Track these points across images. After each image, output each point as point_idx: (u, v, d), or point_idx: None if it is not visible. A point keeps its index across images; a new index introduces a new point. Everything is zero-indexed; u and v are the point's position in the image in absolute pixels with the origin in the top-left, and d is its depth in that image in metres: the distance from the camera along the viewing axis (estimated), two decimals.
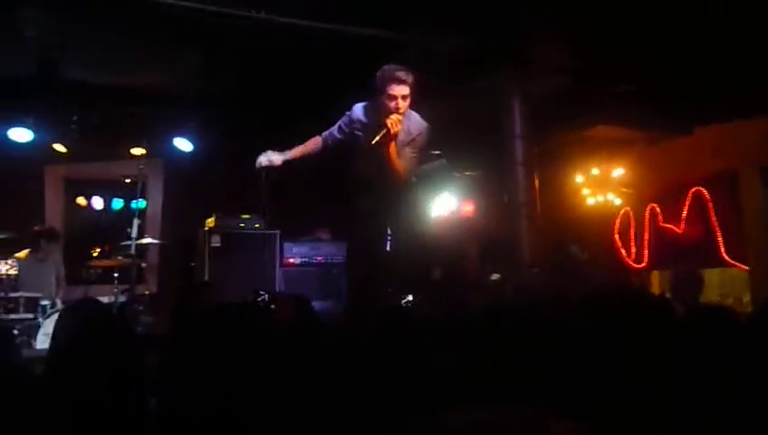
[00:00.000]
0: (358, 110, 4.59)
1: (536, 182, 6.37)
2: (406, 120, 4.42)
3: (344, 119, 4.65)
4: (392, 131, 4.28)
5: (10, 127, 6.96)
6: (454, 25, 5.67)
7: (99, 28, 5.56)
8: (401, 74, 4.31)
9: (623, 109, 6.76)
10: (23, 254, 6.44)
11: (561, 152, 7.77)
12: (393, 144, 4.37)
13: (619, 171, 8.07)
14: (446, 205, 9.11)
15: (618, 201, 8.12)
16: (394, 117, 4.27)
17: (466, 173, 8.79)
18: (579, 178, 8.30)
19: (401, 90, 4.31)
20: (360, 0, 5.29)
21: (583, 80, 6.08)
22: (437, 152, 8.02)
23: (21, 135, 7.02)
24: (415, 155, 4.61)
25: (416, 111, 4.55)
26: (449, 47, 5.84)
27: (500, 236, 6.97)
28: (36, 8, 5.08)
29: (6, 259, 5.95)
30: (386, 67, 4.39)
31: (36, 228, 6.71)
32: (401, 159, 4.47)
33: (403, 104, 4.34)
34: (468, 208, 8.94)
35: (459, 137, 7.31)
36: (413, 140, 4.52)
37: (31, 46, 5.63)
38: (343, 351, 2.56)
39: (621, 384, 1.88)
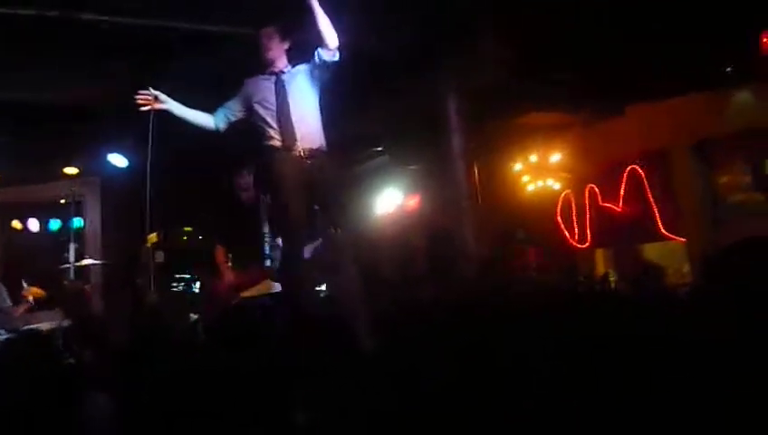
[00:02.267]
0: (250, 82, 4.42)
1: (476, 173, 6.47)
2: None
3: (238, 96, 4.45)
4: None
5: None
6: (392, 23, 5.69)
7: (21, 46, 5.39)
8: (268, 32, 4.20)
9: (555, 94, 6.90)
10: None
11: (499, 142, 7.89)
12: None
13: (556, 156, 8.24)
14: (391, 199, 9.16)
15: (557, 185, 8.29)
16: None
17: (410, 167, 8.85)
18: (518, 166, 8.44)
19: (273, 43, 4.20)
20: None
21: (516, 70, 6.17)
22: (380, 148, 8.06)
23: None
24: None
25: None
26: (389, 45, 5.85)
27: (445, 227, 7.05)
28: None
29: None
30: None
31: None
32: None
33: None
34: (413, 202, 9.01)
35: (401, 132, 7.35)
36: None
37: None
38: None
39: None
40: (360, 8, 5.30)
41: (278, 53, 4.20)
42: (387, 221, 9.08)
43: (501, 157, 8.24)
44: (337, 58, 4.04)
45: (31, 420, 2.02)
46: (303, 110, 4.18)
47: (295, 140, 4.13)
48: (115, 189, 7.91)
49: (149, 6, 5.17)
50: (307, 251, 4.34)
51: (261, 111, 4.14)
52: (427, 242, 8.13)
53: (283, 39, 4.23)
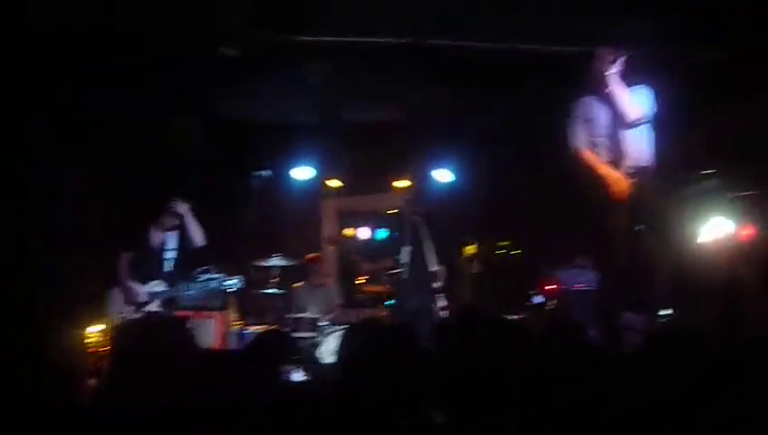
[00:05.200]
0: (586, 101, 4.44)
1: None
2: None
3: (575, 117, 4.49)
4: None
5: (293, 167, 7.81)
6: (723, 37, 5.30)
7: (370, 73, 6.09)
8: (612, 55, 4.16)
9: None
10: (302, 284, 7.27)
11: None
12: None
13: None
14: (721, 228, 8.35)
15: None
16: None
17: (742, 194, 8.00)
18: None
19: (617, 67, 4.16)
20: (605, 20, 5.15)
21: None
22: (711, 172, 7.43)
23: (303, 173, 7.82)
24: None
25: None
26: (722, 59, 5.45)
27: None
28: (319, 60, 5.75)
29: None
30: (597, 52, 4.24)
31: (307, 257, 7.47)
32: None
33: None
34: (747, 232, 8.11)
35: (736, 154, 6.72)
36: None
37: (314, 94, 6.34)
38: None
39: None
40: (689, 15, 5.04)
41: None
42: (712, 251, 8.31)
43: None
44: None
45: None
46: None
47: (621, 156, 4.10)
48: (438, 202, 8.46)
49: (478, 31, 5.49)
50: None
51: None
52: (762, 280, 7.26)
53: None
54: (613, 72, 4.27)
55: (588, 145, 4.45)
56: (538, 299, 6.60)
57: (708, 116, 6.24)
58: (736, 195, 8.08)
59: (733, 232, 8.20)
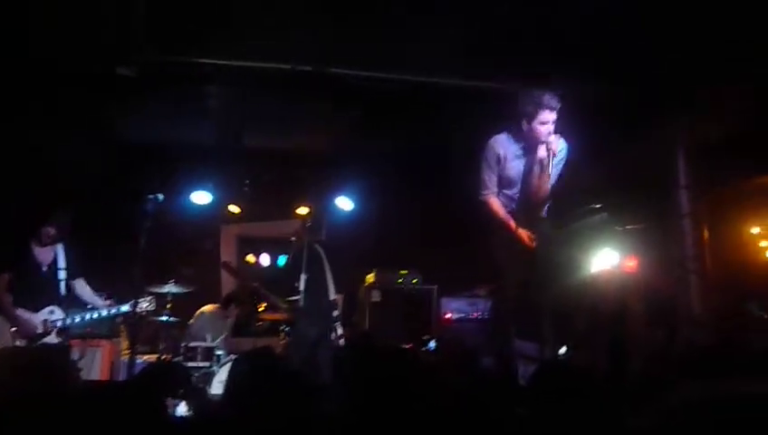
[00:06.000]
0: (499, 141, 4.57)
1: (705, 234, 6.02)
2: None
3: (486, 159, 4.61)
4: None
5: (192, 191, 7.62)
6: (615, 74, 5.58)
7: (271, 98, 6.05)
8: (553, 102, 4.30)
9: None
10: (207, 308, 7.03)
11: (734, 202, 7.26)
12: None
13: None
14: (607, 260, 8.76)
15: None
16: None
17: (629, 227, 8.43)
18: (755, 230, 7.69)
19: (552, 116, 4.30)
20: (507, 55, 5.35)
21: (759, 120, 5.71)
22: (598, 206, 7.79)
23: (201, 198, 7.63)
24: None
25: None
26: (609, 97, 5.74)
27: (666, 292, 6.61)
28: (215, 83, 5.66)
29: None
30: (534, 93, 4.37)
31: (232, 294, 7.33)
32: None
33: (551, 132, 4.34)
34: (632, 264, 8.54)
35: (622, 189, 7.08)
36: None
37: (212, 117, 6.23)
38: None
39: None
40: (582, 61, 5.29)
41: None
42: (600, 281, 8.68)
43: (736, 218, 7.57)
44: None
45: None
46: None
47: None
48: (338, 230, 8.47)
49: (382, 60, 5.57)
50: None
51: None
52: (647, 307, 7.65)
53: None
54: (543, 115, 4.36)
55: (494, 191, 4.59)
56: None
57: (597, 151, 6.54)
58: (623, 227, 8.54)
59: (618, 263, 8.65)
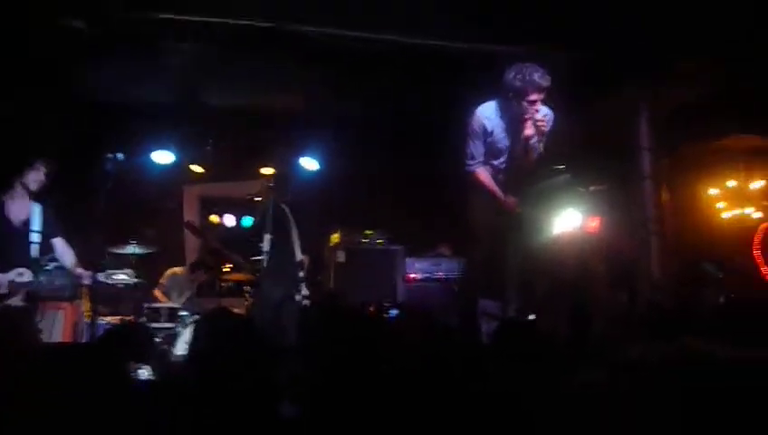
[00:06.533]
0: (486, 113, 4.56)
1: (665, 196, 6.13)
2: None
3: (473, 130, 4.61)
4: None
5: (153, 150, 7.47)
6: (579, 39, 5.58)
7: (235, 55, 5.91)
8: (544, 81, 4.28)
9: (763, 116, 6.37)
10: (179, 270, 7.05)
11: (694, 164, 7.41)
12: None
13: (758, 183, 7.60)
14: (570, 221, 8.86)
15: (757, 214, 7.64)
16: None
17: (592, 188, 8.53)
18: (713, 191, 7.87)
19: (541, 96, 4.30)
20: (484, 18, 5.31)
21: (720, 86, 5.79)
22: (562, 167, 7.85)
23: (163, 158, 7.50)
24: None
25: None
26: (574, 61, 5.74)
27: (628, 254, 6.73)
28: (175, 39, 5.50)
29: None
30: (525, 69, 4.33)
31: (199, 259, 7.35)
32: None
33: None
34: (593, 224, 8.66)
35: (585, 151, 7.14)
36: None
37: (172, 75, 6.07)
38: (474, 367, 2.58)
39: None
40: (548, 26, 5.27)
41: None
42: (564, 243, 8.80)
43: (695, 180, 7.73)
44: None
45: None
46: None
47: None
48: (304, 190, 8.41)
49: (356, 18, 5.47)
50: None
51: None
52: (609, 269, 7.79)
53: None
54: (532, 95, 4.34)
55: (481, 162, 4.59)
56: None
57: (561, 113, 6.57)
58: (586, 188, 8.65)
59: (581, 224, 8.78)
